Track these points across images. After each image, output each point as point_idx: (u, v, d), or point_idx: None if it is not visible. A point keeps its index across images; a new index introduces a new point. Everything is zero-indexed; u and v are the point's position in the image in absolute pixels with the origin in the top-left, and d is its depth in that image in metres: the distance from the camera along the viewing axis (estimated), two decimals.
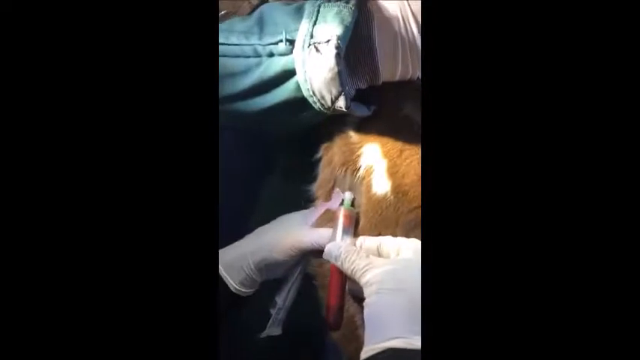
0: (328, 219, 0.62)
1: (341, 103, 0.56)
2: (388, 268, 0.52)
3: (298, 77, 0.56)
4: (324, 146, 0.66)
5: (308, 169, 0.67)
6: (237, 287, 0.61)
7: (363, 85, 0.60)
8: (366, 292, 0.52)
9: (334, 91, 0.55)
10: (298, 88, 0.57)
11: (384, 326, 0.49)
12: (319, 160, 0.67)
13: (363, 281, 0.53)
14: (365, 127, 0.63)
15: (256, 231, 0.64)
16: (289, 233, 0.61)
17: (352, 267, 0.54)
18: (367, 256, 0.55)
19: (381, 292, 0.51)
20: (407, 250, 0.55)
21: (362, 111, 0.61)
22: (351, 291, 0.59)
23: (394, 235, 0.58)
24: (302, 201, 0.67)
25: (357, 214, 0.61)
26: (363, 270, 0.53)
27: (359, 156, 0.63)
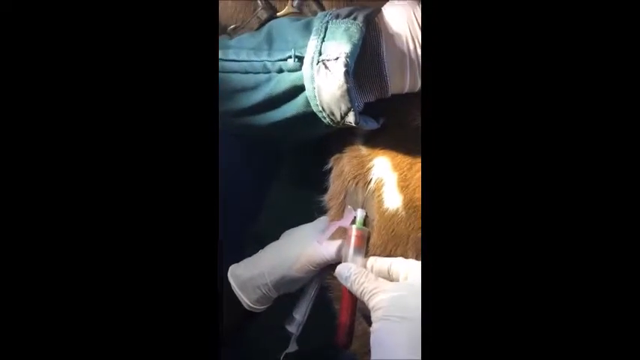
0: (340, 233, 0.62)
1: (350, 119, 0.56)
2: (395, 295, 0.52)
3: (307, 93, 0.56)
4: (334, 157, 0.66)
5: (318, 180, 0.67)
6: (251, 305, 0.61)
7: (371, 99, 0.59)
8: (373, 316, 0.52)
9: (343, 107, 0.55)
10: (307, 103, 0.57)
11: (389, 354, 0.49)
12: (329, 170, 0.66)
13: (370, 305, 0.53)
14: (374, 139, 0.63)
15: (268, 248, 0.64)
16: (305, 249, 0.61)
17: (361, 289, 0.55)
18: (376, 279, 0.55)
19: (386, 319, 0.51)
20: (415, 275, 0.54)
21: (371, 125, 0.61)
22: (362, 310, 0.59)
23: (405, 252, 0.58)
24: (314, 211, 0.67)
25: (369, 232, 0.61)
26: (371, 293, 0.54)
27: (369, 169, 0.62)
